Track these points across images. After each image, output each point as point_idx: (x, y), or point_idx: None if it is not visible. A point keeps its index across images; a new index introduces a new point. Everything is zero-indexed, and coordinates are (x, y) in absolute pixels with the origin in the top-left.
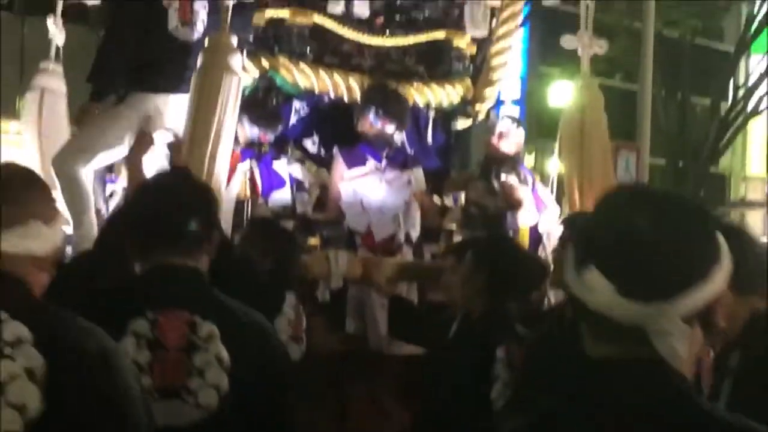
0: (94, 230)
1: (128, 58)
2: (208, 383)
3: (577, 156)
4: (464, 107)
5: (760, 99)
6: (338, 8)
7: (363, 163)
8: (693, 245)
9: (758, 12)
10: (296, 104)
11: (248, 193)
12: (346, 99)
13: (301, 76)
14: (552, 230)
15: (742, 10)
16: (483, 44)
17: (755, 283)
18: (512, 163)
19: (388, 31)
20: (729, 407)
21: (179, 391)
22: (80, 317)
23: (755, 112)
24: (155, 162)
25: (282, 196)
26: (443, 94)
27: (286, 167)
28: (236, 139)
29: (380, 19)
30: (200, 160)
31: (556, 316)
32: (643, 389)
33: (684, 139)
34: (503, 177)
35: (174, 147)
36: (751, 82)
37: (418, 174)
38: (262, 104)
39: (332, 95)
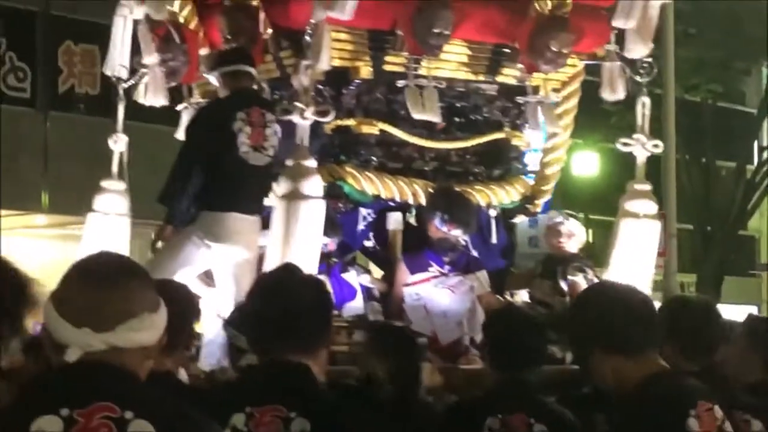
0: None
1: (197, 183)
2: None
3: None
4: (524, 205)
5: None
6: (422, 116)
7: (426, 269)
8: None
9: None
10: (363, 211)
11: None
12: (411, 203)
13: (367, 183)
14: None
15: (762, 72)
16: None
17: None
18: (580, 262)
19: (449, 133)
20: None
21: None
22: (196, 411)
23: None
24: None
25: (354, 305)
26: (503, 194)
27: (355, 277)
28: None
29: (441, 123)
30: None
31: None
32: None
33: (710, 203)
34: (570, 277)
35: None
36: None
37: (482, 277)
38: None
39: (398, 200)
